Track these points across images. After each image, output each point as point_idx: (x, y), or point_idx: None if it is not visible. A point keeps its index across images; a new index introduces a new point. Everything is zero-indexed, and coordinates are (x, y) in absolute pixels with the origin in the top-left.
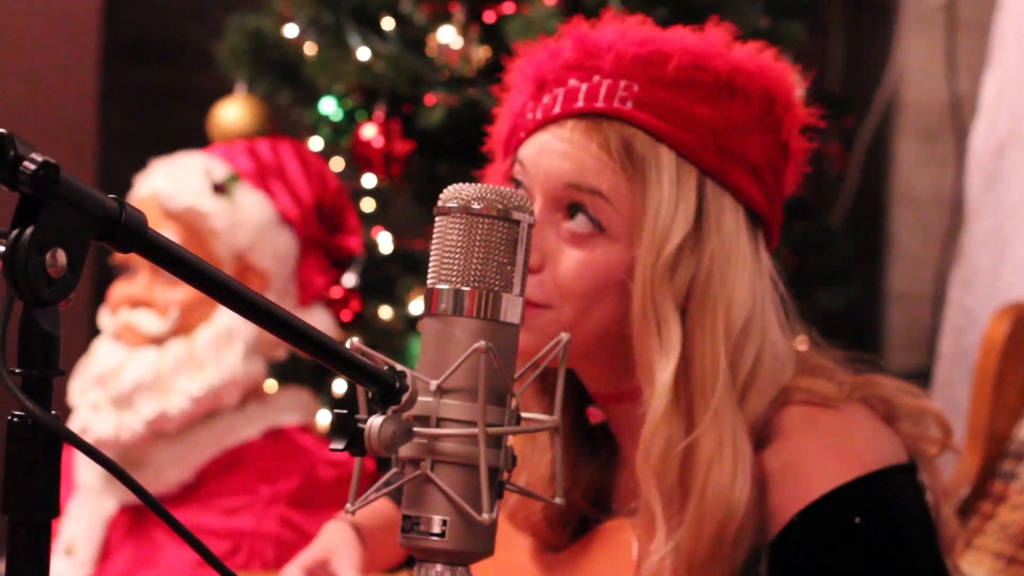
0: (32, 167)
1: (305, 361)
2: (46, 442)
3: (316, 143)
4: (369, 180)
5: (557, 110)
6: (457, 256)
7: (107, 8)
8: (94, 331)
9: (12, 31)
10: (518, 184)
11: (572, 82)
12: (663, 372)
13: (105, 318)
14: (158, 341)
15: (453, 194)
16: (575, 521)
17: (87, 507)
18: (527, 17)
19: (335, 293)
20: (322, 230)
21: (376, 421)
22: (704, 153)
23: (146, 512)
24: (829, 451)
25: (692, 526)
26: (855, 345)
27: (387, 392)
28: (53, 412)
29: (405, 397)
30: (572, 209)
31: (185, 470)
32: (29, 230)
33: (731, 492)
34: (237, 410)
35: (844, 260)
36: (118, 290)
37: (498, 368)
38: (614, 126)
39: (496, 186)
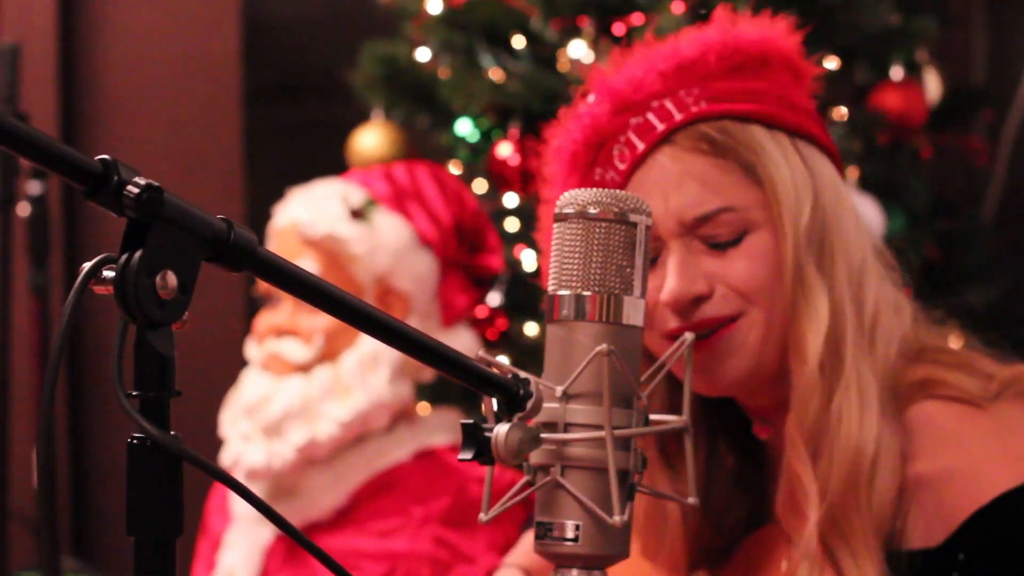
0: (136, 191)
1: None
2: (166, 462)
3: (456, 166)
4: (511, 199)
5: (641, 147)
6: (576, 261)
7: (248, 49)
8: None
9: (157, 78)
10: None
11: (634, 120)
12: (816, 337)
13: (252, 349)
14: (304, 369)
15: (569, 200)
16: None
17: (245, 536)
18: (656, 27)
19: (480, 312)
20: (462, 250)
21: (502, 429)
22: (784, 115)
23: None
24: (997, 454)
25: (828, 474)
26: (1011, 341)
27: (512, 400)
28: (172, 432)
29: (530, 404)
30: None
31: (338, 495)
32: (138, 254)
33: (859, 433)
34: (387, 433)
35: (991, 256)
36: (263, 320)
37: (622, 370)
38: (706, 125)
39: (612, 190)
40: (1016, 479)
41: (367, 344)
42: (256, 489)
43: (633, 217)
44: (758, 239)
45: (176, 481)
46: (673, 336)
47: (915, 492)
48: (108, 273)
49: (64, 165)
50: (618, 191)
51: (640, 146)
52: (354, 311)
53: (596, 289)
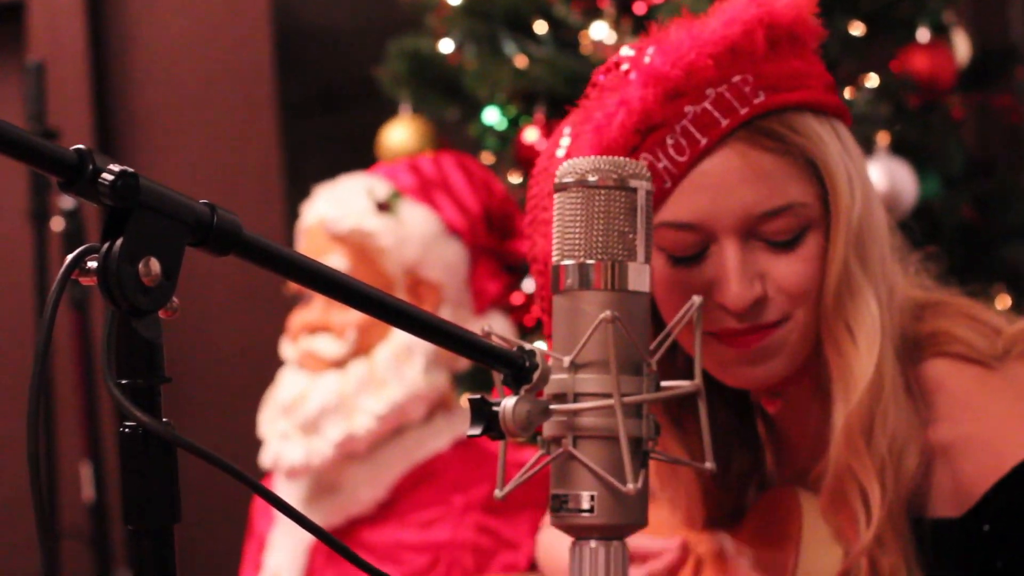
0: (110, 178)
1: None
2: (159, 449)
3: (487, 157)
4: None
5: (703, 141)
6: (578, 230)
7: (281, 60)
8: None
9: (191, 91)
10: (689, 227)
11: (689, 109)
12: (870, 342)
13: (287, 347)
14: (339, 364)
15: (568, 170)
16: (733, 512)
17: (288, 536)
18: (676, 3)
19: (516, 299)
20: (492, 237)
21: (509, 402)
22: (825, 98)
23: (345, 535)
24: (1012, 419)
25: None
26: None
27: (518, 372)
28: (164, 420)
29: (536, 375)
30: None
31: (379, 488)
32: (119, 241)
33: (895, 425)
34: (424, 424)
35: None
36: (296, 318)
37: (629, 336)
38: (769, 120)
39: (610, 156)
40: None
41: (400, 337)
42: (297, 486)
43: (633, 183)
44: (813, 240)
45: (170, 468)
46: (724, 336)
47: (934, 459)
48: (92, 264)
49: (38, 157)
50: (617, 158)
51: (703, 140)
52: (358, 293)
53: (600, 256)
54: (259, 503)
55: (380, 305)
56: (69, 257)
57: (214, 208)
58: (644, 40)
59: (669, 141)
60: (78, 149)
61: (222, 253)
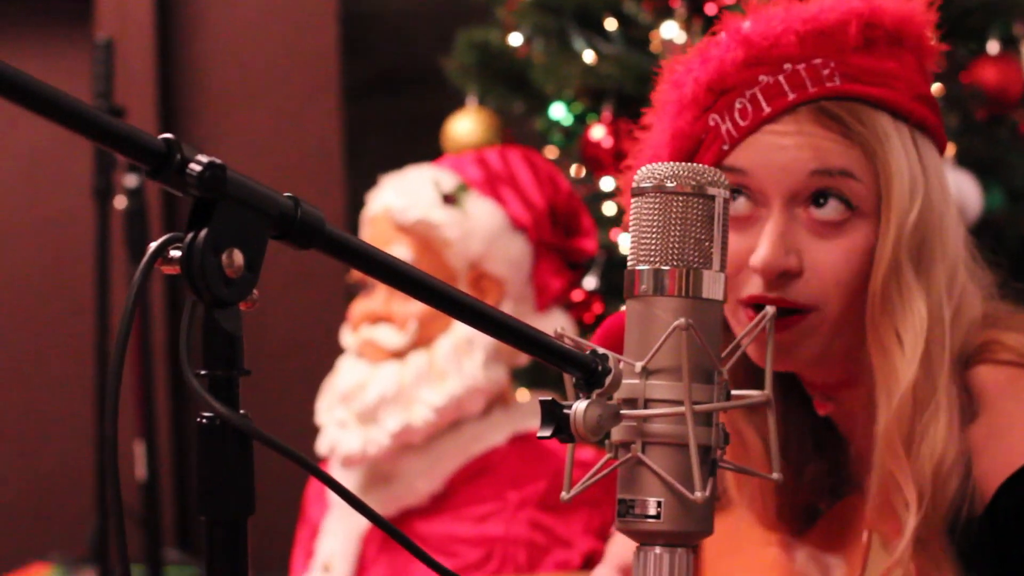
0: (198, 168)
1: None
2: (236, 441)
3: (551, 151)
4: (607, 183)
5: (767, 109)
6: (655, 236)
7: (346, 42)
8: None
9: (256, 72)
10: (737, 193)
11: (764, 78)
12: (916, 341)
13: (347, 336)
14: (399, 355)
15: (647, 175)
16: (806, 512)
17: (342, 524)
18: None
19: (576, 296)
20: (557, 234)
21: (581, 406)
22: (911, 106)
23: (398, 527)
24: None
25: (921, 481)
26: None
27: (590, 376)
28: (242, 411)
29: (608, 380)
30: (818, 197)
31: (434, 481)
32: (203, 232)
33: (944, 447)
34: (482, 418)
35: None
36: (358, 308)
37: (701, 344)
38: (837, 105)
39: (689, 163)
40: None
41: (461, 329)
42: (353, 475)
43: (711, 190)
44: (859, 231)
45: (246, 460)
46: (749, 303)
47: (970, 460)
48: (175, 253)
49: (127, 144)
50: (697, 165)
51: (767, 109)
52: (434, 291)
53: (675, 263)
54: (313, 489)
55: (458, 304)
56: (153, 245)
57: (298, 202)
58: (744, 8)
59: (737, 105)
60: (166, 138)
61: (304, 247)
